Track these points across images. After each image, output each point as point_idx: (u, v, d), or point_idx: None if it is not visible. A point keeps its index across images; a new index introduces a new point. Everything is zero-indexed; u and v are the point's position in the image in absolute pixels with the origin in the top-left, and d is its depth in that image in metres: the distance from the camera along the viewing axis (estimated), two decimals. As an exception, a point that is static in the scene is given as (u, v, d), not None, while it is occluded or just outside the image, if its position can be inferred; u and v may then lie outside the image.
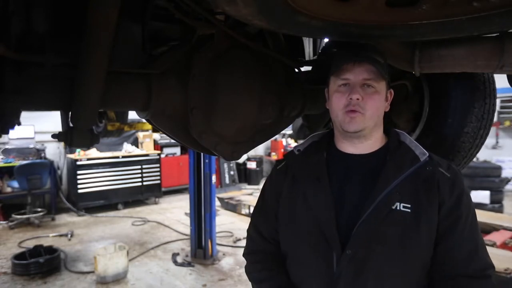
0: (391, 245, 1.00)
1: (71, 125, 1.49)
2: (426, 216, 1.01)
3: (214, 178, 4.94)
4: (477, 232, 1.05)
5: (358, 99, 1.04)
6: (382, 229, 1.01)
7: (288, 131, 8.96)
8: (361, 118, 1.05)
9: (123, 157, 7.60)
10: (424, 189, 1.03)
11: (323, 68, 1.57)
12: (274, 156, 10.87)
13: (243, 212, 6.95)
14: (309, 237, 1.08)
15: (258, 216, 1.27)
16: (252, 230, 1.26)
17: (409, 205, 1.01)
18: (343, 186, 1.09)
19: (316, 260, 1.06)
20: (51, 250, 4.60)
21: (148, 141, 8.45)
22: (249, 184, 10.13)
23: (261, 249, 1.22)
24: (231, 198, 7.48)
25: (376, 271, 1.00)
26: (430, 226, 1.01)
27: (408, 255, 1.01)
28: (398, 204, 1.02)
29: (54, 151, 7.63)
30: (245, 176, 10.43)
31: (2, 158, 6.62)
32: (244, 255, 1.27)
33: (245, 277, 1.23)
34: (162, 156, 8.47)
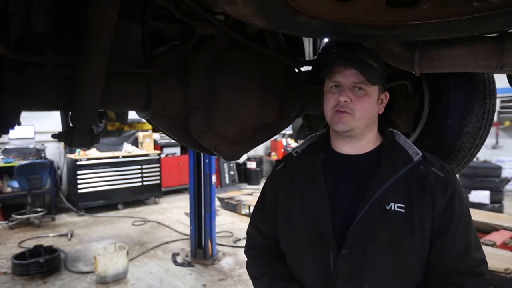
0: (386, 245, 1.02)
1: (71, 125, 1.49)
2: (419, 216, 1.02)
3: (214, 178, 4.94)
4: (470, 230, 1.05)
5: (346, 101, 1.06)
6: (377, 229, 1.02)
7: (288, 131, 8.97)
8: (349, 118, 1.06)
9: (123, 157, 7.59)
10: (417, 188, 1.04)
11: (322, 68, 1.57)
12: (274, 156, 10.86)
13: (243, 212, 6.95)
14: (306, 236, 1.10)
15: (258, 215, 1.29)
16: (251, 228, 1.29)
17: (403, 205, 1.02)
18: (339, 186, 1.11)
19: (313, 259, 1.08)
20: (51, 250, 4.60)
21: (148, 141, 8.44)
22: (249, 184, 10.12)
23: (260, 245, 1.25)
24: (231, 198, 7.47)
25: (372, 270, 1.01)
26: (424, 225, 1.02)
27: (402, 255, 1.01)
28: (392, 204, 1.03)
29: (54, 151, 7.62)
30: (245, 176, 10.42)
31: (2, 158, 6.61)
32: (244, 252, 1.30)
33: (245, 277, 1.25)
34: (162, 156, 8.46)
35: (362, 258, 1.02)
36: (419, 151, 1.09)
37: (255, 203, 1.34)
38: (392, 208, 1.02)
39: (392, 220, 1.02)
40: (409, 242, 1.01)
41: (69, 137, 1.50)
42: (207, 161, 4.85)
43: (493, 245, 4.03)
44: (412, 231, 1.01)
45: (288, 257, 1.17)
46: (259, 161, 10.37)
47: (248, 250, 1.28)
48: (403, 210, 1.02)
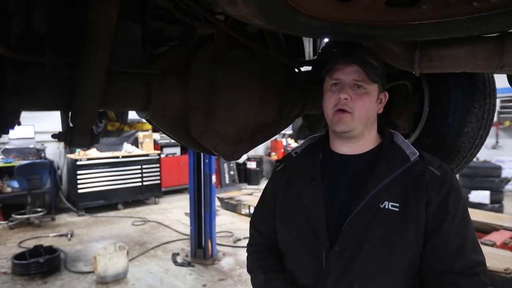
0: (379, 244, 1.02)
1: (71, 125, 1.49)
2: (413, 215, 1.02)
3: (214, 178, 4.94)
4: (467, 229, 1.04)
5: (346, 98, 1.06)
6: (370, 228, 1.02)
7: (288, 131, 8.97)
8: (349, 118, 1.07)
9: (123, 157, 7.59)
10: (413, 188, 1.04)
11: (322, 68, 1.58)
12: (274, 156, 10.86)
13: (243, 212, 6.95)
14: (301, 235, 1.11)
15: (257, 216, 1.31)
16: (252, 228, 1.31)
17: (397, 204, 1.03)
18: (335, 185, 1.11)
19: (307, 257, 1.09)
20: (51, 250, 4.60)
21: (148, 141, 8.44)
22: (249, 184, 10.13)
23: (259, 243, 1.27)
24: (231, 198, 7.48)
25: (364, 268, 1.02)
26: (418, 225, 1.02)
27: (395, 254, 1.01)
28: (386, 203, 1.03)
29: (54, 151, 7.62)
30: (245, 176, 10.42)
31: (2, 158, 6.61)
32: (246, 250, 1.32)
33: (245, 277, 1.26)
34: (162, 156, 8.46)
35: (354, 257, 1.02)
36: (416, 151, 1.09)
37: (255, 203, 1.35)
38: (386, 207, 1.03)
39: (386, 219, 1.02)
40: (403, 241, 1.01)
41: (69, 137, 1.50)
42: (207, 161, 4.85)
43: (493, 245, 4.03)
44: (405, 230, 1.01)
45: (285, 257, 1.18)
46: (259, 161, 10.37)
47: (248, 247, 1.31)
48: (397, 209, 1.02)
